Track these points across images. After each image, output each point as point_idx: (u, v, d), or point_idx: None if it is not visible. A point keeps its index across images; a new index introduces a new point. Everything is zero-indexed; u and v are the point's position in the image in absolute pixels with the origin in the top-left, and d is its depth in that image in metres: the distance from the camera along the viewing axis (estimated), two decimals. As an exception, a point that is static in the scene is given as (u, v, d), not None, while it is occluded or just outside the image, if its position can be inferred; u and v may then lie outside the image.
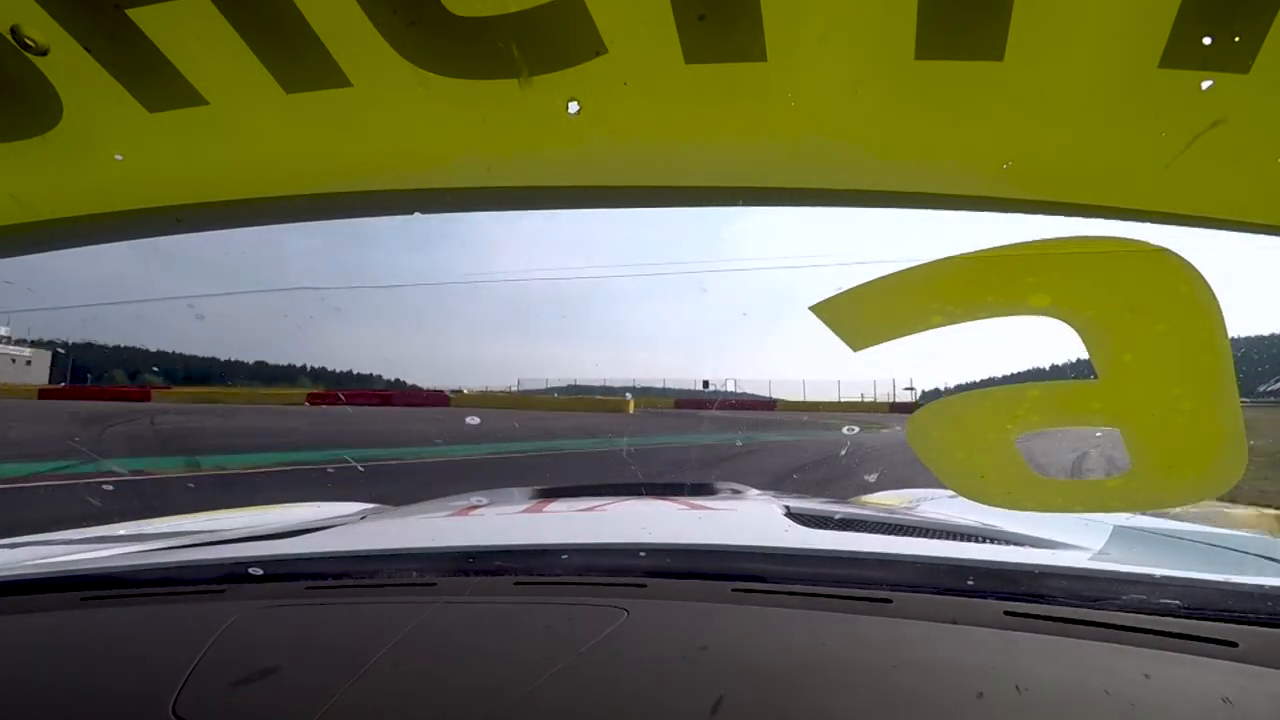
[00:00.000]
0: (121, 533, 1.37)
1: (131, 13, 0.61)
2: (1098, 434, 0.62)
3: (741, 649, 0.54)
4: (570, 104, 0.65)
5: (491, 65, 0.63)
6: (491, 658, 0.54)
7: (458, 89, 0.65)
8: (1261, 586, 0.62)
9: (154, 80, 0.66)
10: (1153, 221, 0.63)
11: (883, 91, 0.62)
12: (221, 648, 0.57)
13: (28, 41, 0.62)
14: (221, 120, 0.69)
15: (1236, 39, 0.54)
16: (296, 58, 0.64)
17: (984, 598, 0.61)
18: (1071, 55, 0.58)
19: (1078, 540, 0.92)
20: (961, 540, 0.96)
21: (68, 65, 0.64)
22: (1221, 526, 1.12)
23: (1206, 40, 0.54)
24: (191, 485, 6.22)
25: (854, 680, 0.49)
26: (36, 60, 0.64)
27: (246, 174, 0.75)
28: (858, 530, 1.09)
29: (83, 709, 0.51)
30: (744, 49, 0.60)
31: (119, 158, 0.73)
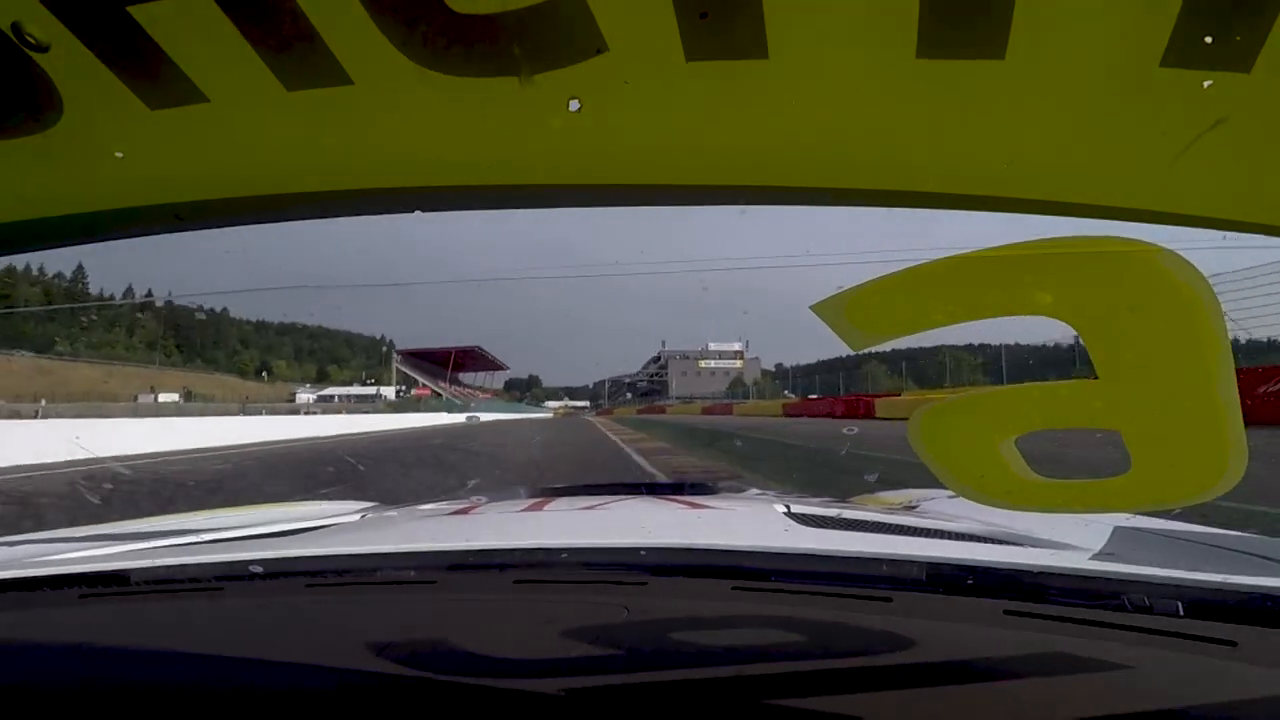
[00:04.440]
0: (122, 530, 1.37)
1: (133, 10, 0.61)
2: (1098, 434, 0.62)
3: (741, 649, 0.54)
4: (571, 102, 0.65)
5: (492, 63, 0.63)
6: (492, 656, 0.53)
7: (459, 87, 0.65)
8: (1261, 586, 0.62)
9: (155, 78, 0.66)
10: (1154, 222, 0.63)
11: (884, 90, 0.62)
12: (220, 646, 0.57)
13: (29, 38, 0.62)
14: (222, 118, 0.69)
15: (1238, 38, 0.54)
16: (298, 55, 0.64)
17: (984, 597, 0.61)
18: (1073, 54, 0.58)
19: (1077, 540, 0.92)
20: (961, 540, 0.95)
21: (69, 62, 0.64)
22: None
23: (1208, 39, 0.54)
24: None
25: (853, 680, 0.49)
26: (37, 57, 0.64)
27: (247, 172, 0.75)
28: (858, 530, 1.09)
29: (81, 707, 0.51)
30: (745, 47, 0.60)
31: (119, 155, 0.73)
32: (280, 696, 0.51)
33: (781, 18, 0.58)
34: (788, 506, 1.22)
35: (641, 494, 1.71)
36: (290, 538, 1.04)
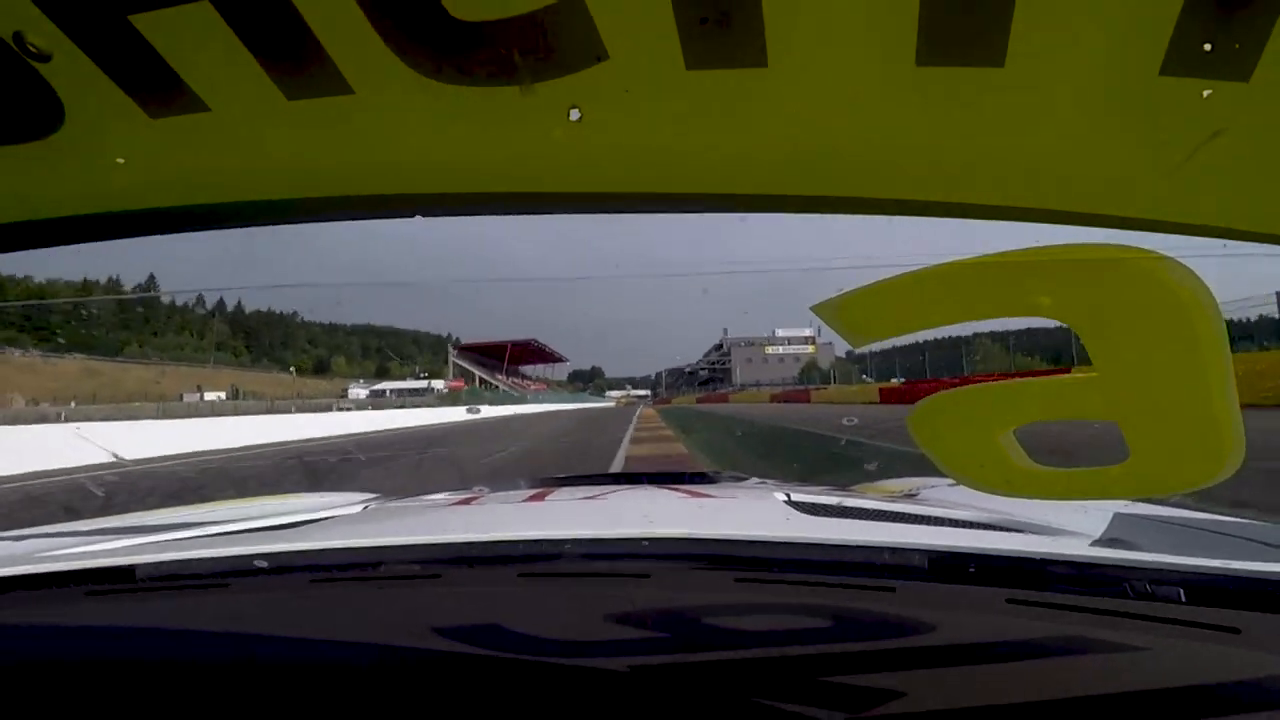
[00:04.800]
0: (126, 524, 1.38)
1: (135, 20, 0.61)
2: (1096, 424, 0.63)
3: (745, 640, 0.55)
4: (571, 110, 0.65)
5: (493, 71, 0.63)
6: (496, 649, 0.54)
7: (459, 95, 0.65)
8: (1264, 572, 0.63)
9: (156, 87, 0.66)
10: (1154, 230, 0.64)
11: (883, 98, 0.62)
12: (225, 641, 0.58)
13: (31, 48, 0.62)
14: (223, 127, 0.69)
15: (1237, 46, 0.54)
16: (299, 65, 0.63)
17: (986, 585, 0.62)
18: (1072, 62, 0.58)
19: (1078, 526, 0.93)
20: (963, 527, 0.96)
21: (70, 72, 0.64)
22: None
23: (1207, 48, 0.54)
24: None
25: (857, 670, 0.50)
26: (39, 67, 0.64)
27: (248, 179, 0.75)
28: (859, 519, 1.10)
29: (87, 703, 0.52)
30: (745, 55, 0.60)
31: (120, 161, 0.73)
32: (287, 690, 0.52)
33: (781, 26, 0.58)
34: (788, 495, 1.23)
35: (642, 484, 1.72)
36: (294, 530, 1.05)
